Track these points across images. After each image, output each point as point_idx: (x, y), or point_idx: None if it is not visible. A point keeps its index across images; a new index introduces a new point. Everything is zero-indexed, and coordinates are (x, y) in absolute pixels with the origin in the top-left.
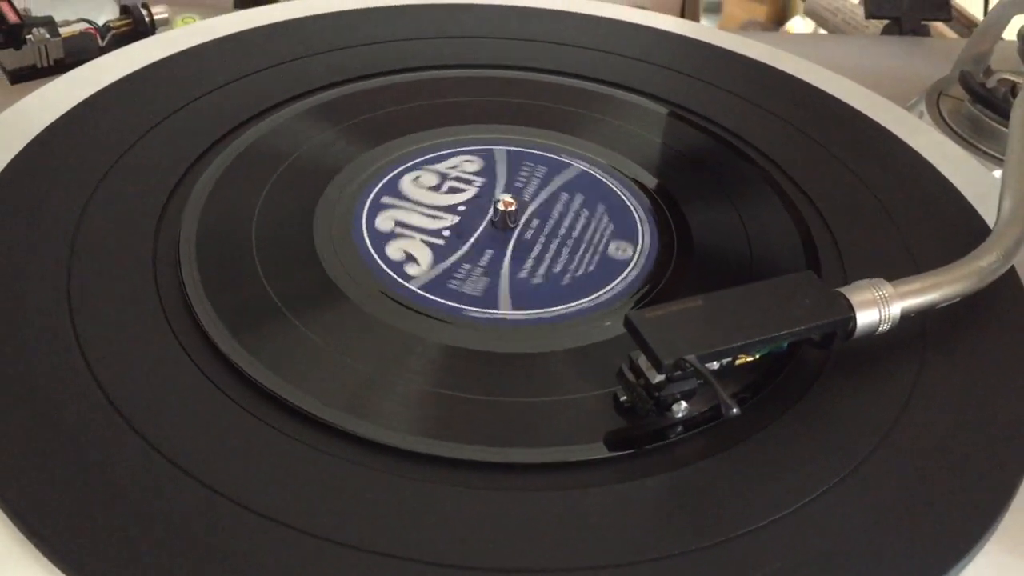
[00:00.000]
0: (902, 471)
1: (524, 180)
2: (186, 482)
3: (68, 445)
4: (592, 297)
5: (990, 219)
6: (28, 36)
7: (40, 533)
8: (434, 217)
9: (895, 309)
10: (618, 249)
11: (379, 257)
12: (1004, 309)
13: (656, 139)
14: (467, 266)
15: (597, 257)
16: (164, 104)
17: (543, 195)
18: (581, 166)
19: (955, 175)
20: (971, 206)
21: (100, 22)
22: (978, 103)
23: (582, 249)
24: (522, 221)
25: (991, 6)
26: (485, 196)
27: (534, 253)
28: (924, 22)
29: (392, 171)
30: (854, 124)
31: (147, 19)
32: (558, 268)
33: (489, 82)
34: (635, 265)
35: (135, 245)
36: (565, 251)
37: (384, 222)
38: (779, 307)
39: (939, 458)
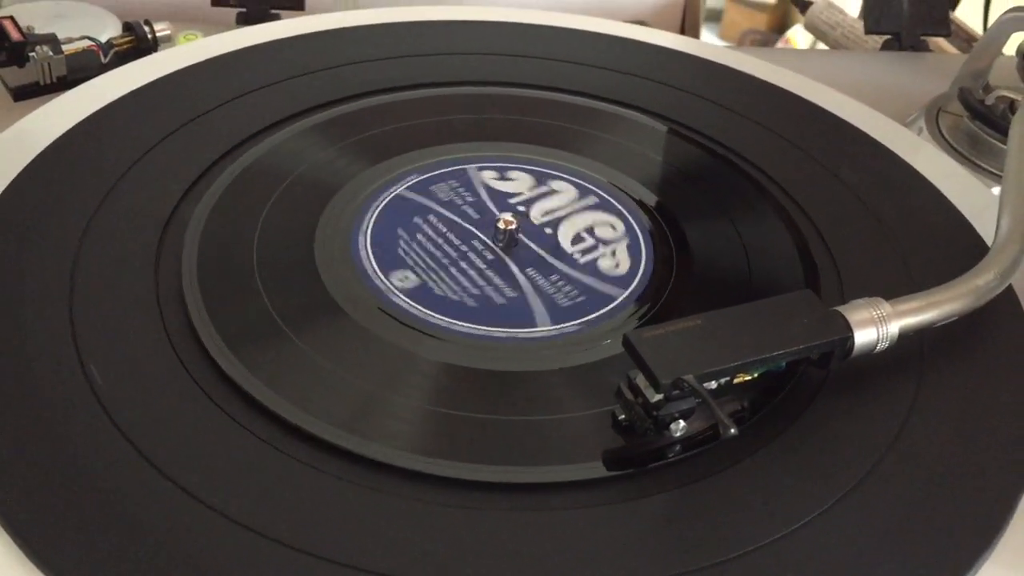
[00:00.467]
0: (901, 490)
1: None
2: (183, 498)
3: (70, 464)
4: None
5: (988, 236)
6: (31, 53)
7: (38, 550)
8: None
9: (893, 328)
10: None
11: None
12: (1002, 327)
13: (654, 155)
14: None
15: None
16: (167, 121)
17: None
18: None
19: (953, 192)
20: (969, 223)
21: (103, 39)
22: (977, 120)
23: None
24: (523, 239)
25: (991, 22)
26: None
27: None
28: (924, 37)
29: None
30: (853, 141)
31: (149, 36)
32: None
33: (487, 99)
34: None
35: (138, 262)
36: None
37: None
38: (777, 326)
39: (938, 477)
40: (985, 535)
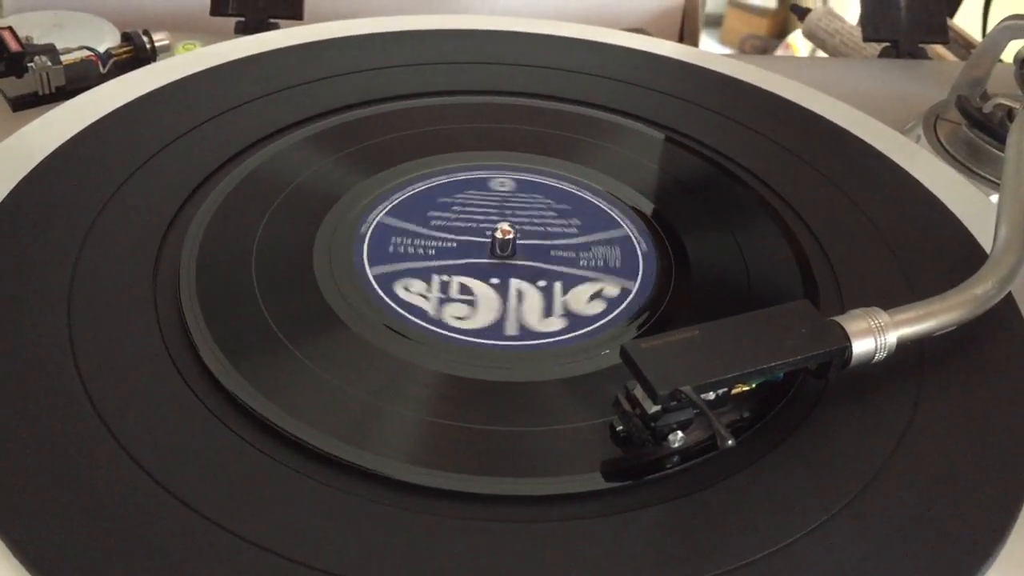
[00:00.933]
0: (900, 500)
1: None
2: (178, 508)
3: (65, 473)
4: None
5: (987, 244)
6: (30, 64)
7: (34, 560)
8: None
9: (891, 338)
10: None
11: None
12: (1001, 336)
13: (652, 165)
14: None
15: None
16: (166, 131)
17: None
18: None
19: (952, 200)
20: (967, 231)
21: (101, 49)
22: (975, 127)
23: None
24: (520, 250)
25: (989, 28)
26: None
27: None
28: (922, 45)
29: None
30: (851, 149)
31: (148, 46)
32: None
33: (485, 108)
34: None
35: (136, 272)
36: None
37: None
38: (775, 337)
39: (937, 487)
40: (987, 544)
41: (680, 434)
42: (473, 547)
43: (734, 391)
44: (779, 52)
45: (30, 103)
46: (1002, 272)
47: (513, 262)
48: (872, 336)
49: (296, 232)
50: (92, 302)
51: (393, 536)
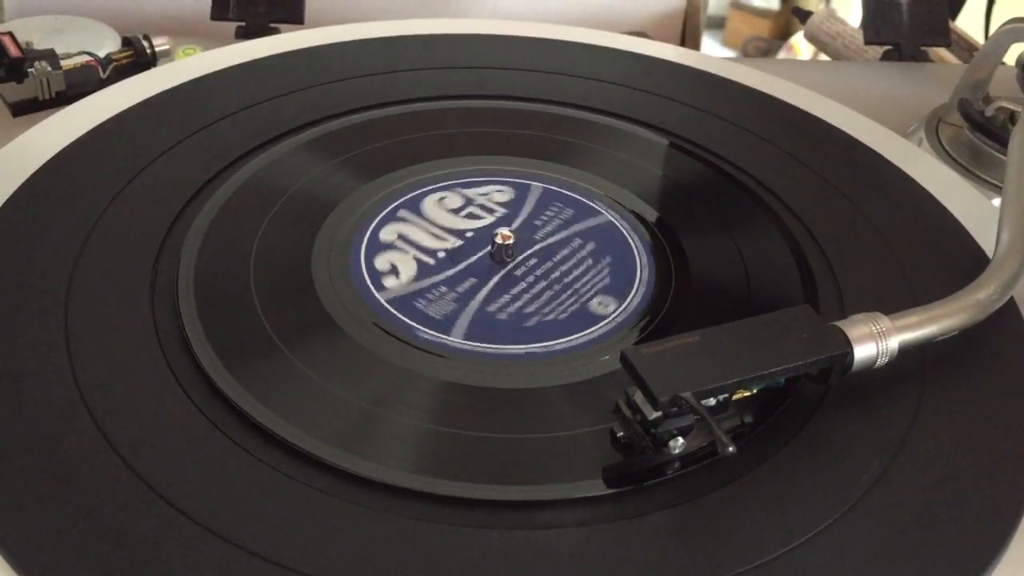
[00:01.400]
0: (902, 506)
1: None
2: (173, 515)
3: (61, 481)
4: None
5: (989, 248)
6: (30, 69)
7: (27, 566)
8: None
9: (893, 343)
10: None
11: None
12: (1003, 341)
13: (653, 169)
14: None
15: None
16: (166, 136)
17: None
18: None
19: (954, 204)
20: (970, 235)
21: (102, 54)
22: (977, 131)
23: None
24: (520, 257)
25: (992, 31)
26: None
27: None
28: (924, 48)
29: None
30: (853, 153)
31: (148, 51)
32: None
33: (483, 113)
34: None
35: (133, 279)
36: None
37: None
38: (776, 342)
39: (939, 493)
40: (990, 548)
41: (681, 440)
42: (473, 554)
43: (735, 397)
44: (782, 54)
45: (30, 108)
46: (1004, 276)
47: (511, 267)
48: (874, 341)
49: (295, 238)
50: (90, 308)
51: (391, 543)
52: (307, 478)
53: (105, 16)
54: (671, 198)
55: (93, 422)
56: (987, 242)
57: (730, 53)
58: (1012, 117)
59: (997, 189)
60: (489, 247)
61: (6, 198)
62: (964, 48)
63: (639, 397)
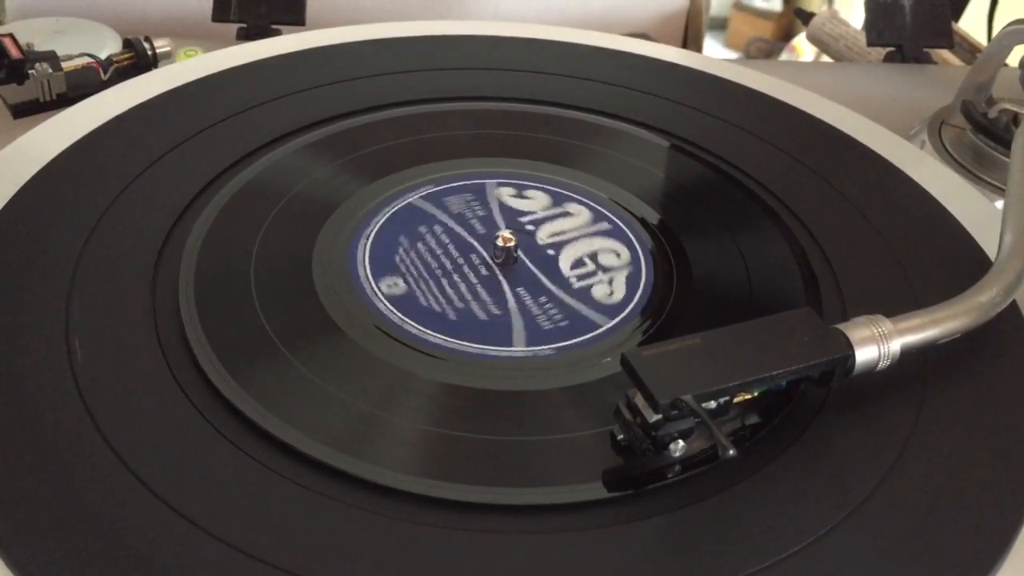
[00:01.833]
0: (905, 509)
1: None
2: (174, 519)
3: (60, 482)
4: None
5: (992, 250)
6: (31, 71)
7: (27, 570)
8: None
9: (895, 346)
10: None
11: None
12: (1006, 344)
13: (655, 171)
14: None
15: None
16: (167, 138)
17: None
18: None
19: (957, 206)
20: (972, 238)
21: (103, 56)
22: (980, 133)
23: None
24: (521, 259)
25: (995, 32)
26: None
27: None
28: (927, 49)
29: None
30: (855, 155)
31: (150, 52)
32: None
33: (484, 114)
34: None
35: (135, 280)
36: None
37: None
38: (777, 345)
39: (942, 497)
40: (992, 551)
41: (681, 443)
42: (473, 558)
43: (736, 399)
44: (784, 55)
45: (31, 110)
46: (1007, 279)
47: (511, 270)
48: (875, 344)
49: (296, 240)
50: (91, 309)
51: (392, 546)
52: (307, 481)
53: (106, 18)
54: (673, 200)
55: (93, 424)
56: (990, 245)
57: (732, 54)
58: (1015, 119)
59: (1000, 191)
60: (491, 248)
61: (7, 200)
62: (967, 50)
63: (640, 400)
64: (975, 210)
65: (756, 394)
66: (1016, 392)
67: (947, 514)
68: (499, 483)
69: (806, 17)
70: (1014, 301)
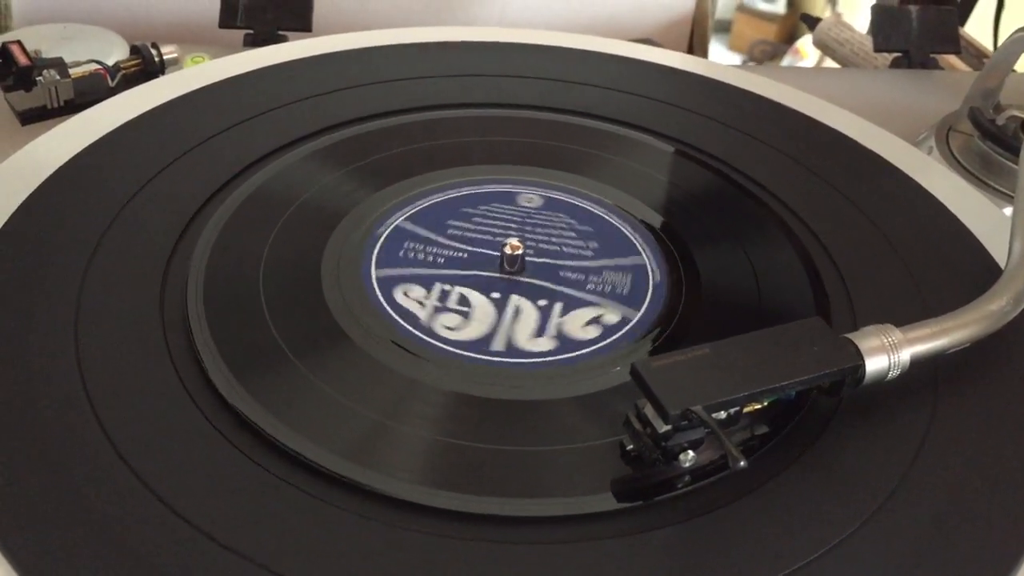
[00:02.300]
0: (916, 521)
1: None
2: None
3: (68, 489)
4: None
5: (1001, 257)
6: (38, 78)
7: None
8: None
9: (904, 355)
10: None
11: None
12: (1017, 353)
13: (663, 178)
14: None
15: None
16: (175, 145)
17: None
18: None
19: (965, 213)
20: (981, 245)
21: (110, 62)
22: (987, 139)
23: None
24: (529, 267)
25: (1001, 37)
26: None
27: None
28: (933, 55)
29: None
30: (863, 161)
31: (157, 59)
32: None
33: (489, 122)
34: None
35: (143, 288)
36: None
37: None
38: (787, 355)
39: (954, 507)
40: (1006, 560)
41: (691, 453)
42: (481, 569)
43: (746, 409)
44: (788, 57)
45: (39, 117)
46: (1018, 287)
47: (520, 277)
48: (885, 354)
49: (306, 245)
50: (99, 317)
51: (399, 556)
52: (315, 489)
53: (113, 24)
54: (680, 207)
55: (102, 431)
56: (999, 252)
57: (736, 57)
58: (1023, 126)
59: (1008, 198)
60: (500, 256)
61: (15, 207)
62: (973, 55)
63: (649, 410)
64: (984, 217)
65: (766, 404)
66: None
67: (959, 524)
68: (507, 493)
69: (812, 22)
70: None
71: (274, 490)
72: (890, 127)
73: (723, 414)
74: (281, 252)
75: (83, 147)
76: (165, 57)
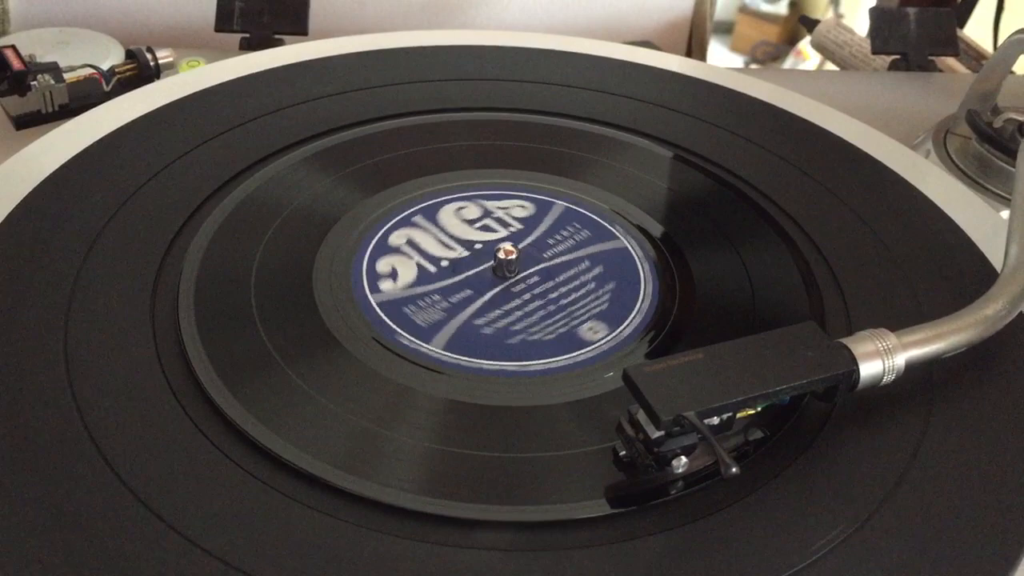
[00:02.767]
0: (910, 526)
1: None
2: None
3: (59, 500)
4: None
5: (997, 261)
6: (33, 82)
7: None
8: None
9: (899, 360)
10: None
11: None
12: (1013, 357)
13: (658, 182)
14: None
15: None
16: (170, 149)
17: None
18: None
19: (962, 216)
20: (978, 249)
21: (105, 67)
22: (985, 142)
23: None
24: (522, 274)
25: (1000, 39)
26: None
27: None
28: (932, 57)
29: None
30: (859, 164)
31: (152, 63)
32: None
33: (487, 125)
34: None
35: (134, 295)
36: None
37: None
38: (781, 360)
39: (948, 512)
40: (1001, 566)
41: (684, 459)
42: (472, 575)
43: (739, 415)
44: (790, 58)
45: (33, 121)
46: (1014, 291)
47: (512, 282)
48: (880, 359)
49: (298, 251)
50: (90, 323)
51: (393, 564)
52: (306, 497)
53: (109, 28)
54: (675, 212)
55: (90, 438)
56: (996, 256)
57: (738, 58)
58: (1021, 128)
59: (1006, 201)
60: (493, 261)
61: (8, 212)
62: (972, 57)
63: (641, 416)
64: (980, 220)
65: (759, 409)
66: (1022, 405)
67: (955, 528)
68: (500, 500)
69: (811, 24)
70: (1021, 313)
71: (264, 497)
72: (888, 130)
73: (716, 420)
74: (273, 258)
75: (77, 152)
76: (161, 61)
